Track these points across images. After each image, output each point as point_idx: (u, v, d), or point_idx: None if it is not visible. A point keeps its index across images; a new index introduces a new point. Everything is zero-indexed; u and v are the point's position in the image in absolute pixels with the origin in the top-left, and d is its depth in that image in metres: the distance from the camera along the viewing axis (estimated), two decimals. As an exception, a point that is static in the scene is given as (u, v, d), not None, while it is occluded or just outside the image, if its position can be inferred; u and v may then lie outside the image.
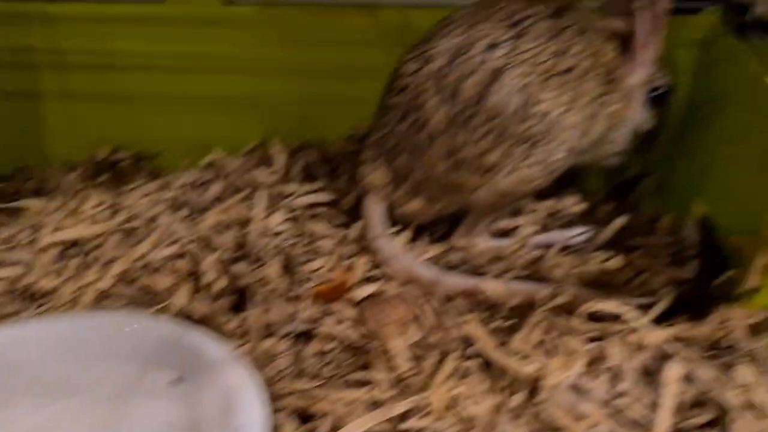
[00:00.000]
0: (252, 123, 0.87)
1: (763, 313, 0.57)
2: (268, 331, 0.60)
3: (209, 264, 0.65)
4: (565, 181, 0.78)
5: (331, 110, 0.85)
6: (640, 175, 0.82)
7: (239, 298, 0.63)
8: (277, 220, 0.73)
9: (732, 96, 0.72)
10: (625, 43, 0.69)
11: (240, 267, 0.65)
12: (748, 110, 0.68)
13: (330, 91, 0.85)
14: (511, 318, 0.62)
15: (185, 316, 0.60)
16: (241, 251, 0.68)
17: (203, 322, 0.59)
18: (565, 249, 0.73)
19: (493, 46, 0.64)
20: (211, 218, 0.71)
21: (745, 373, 0.52)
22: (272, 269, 0.65)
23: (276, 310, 0.61)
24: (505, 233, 0.75)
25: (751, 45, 0.72)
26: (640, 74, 0.70)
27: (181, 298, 0.62)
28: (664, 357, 0.55)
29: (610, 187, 0.83)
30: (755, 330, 0.57)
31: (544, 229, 0.76)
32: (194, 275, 0.65)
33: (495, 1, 0.67)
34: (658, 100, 0.72)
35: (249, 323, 0.59)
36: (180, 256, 0.66)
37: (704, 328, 0.57)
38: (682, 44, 0.79)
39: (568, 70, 0.65)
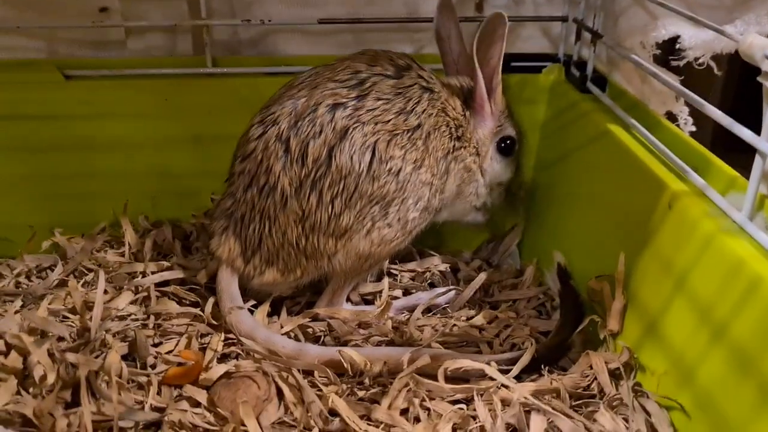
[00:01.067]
0: (100, 202, 0.81)
1: (624, 356, 0.57)
2: (108, 427, 0.54)
3: (39, 357, 0.58)
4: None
5: (186, 184, 0.81)
6: (505, 232, 0.82)
7: (75, 392, 0.56)
8: (123, 302, 0.68)
9: (577, 147, 0.73)
10: (469, 99, 0.70)
11: (77, 356, 0.59)
12: (593, 160, 0.70)
13: (184, 164, 0.81)
14: (376, 385, 0.59)
15: (4, 420, 0.53)
16: (82, 339, 0.62)
17: (29, 424, 0.53)
18: (430, 310, 0.71)
19: (337, 106, 0.63)
20: (46, 307, 0.65)
21: (605, 420, 0.52)
22: (114, 356, 0.59)
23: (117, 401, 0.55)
24: (368, 298, 0.73)
25: (592, 98, 0.75)
26: (486, 127, 0.71)
27: (1, 399, 0.55)
28: (529, 411, 0.53)
29: (476, 245, 0.83)
30: (617, 375, 0.57)
31: (408, 291, 0.74)
32: (22, 371, 0.58)
33: (337, 62, 0.66)
34: (507, 149, 0.73)
35: (83, 420, 0.53)
36: (3, 352, 0.59)
37: (567, 380, 0.57)
38: (528, 101, 0.81)
39: (415, 128, 0.65)
